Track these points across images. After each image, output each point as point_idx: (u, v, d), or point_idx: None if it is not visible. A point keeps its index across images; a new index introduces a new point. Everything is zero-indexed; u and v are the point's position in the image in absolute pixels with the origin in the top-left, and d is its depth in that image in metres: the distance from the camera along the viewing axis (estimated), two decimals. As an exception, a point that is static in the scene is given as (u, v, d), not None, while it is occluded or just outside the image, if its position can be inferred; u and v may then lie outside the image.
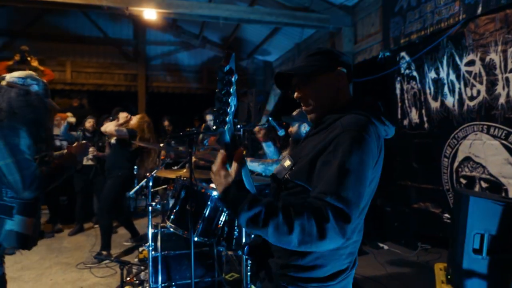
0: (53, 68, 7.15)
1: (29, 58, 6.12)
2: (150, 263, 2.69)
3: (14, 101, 1.83)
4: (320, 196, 0.94)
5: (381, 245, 4.41)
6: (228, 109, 0.97)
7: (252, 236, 1.23)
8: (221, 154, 1.05)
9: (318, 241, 0.91)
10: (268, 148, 2.82)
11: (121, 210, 4.39)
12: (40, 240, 4.61)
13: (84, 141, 2.18)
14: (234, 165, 1.03)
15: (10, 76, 1.93)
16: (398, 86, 4.43)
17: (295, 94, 1.23)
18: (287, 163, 1.18)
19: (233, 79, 0.96)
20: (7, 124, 1.78)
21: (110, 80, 8.23)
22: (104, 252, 4.01)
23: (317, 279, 1.10)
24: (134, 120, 4.08)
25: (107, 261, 3.84)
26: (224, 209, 2.33)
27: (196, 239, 2.38)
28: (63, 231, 4.88)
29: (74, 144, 2.13)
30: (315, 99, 1.19)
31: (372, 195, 1.15)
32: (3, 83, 1.91)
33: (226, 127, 0.98)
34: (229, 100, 0.97)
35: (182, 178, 2.60)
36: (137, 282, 3.17)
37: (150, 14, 4.50)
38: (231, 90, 0.96)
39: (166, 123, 6.15)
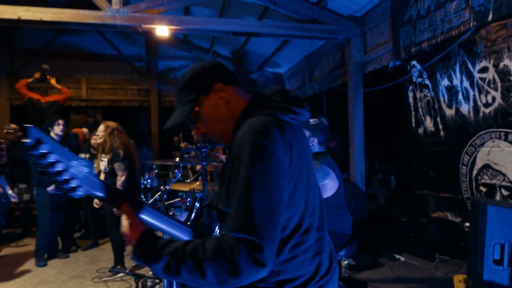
0: (69, 86, 7.37)
1: (48, 77, 6.33)
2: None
3: None
4: (227, 233, 0.89)
5: (397, 256, 4.32)
6: (68, 175, 0.91)
7: None
8: (124, 210, 1.00)
9: (234, 278, 0.85)
10: None
11: None
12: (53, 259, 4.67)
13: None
14: (131, 219, 0.98)
15: None
16: (410, 94, 4.41)
17: (198, 133, 1.17)
18: (216, 188, 1.14)
19: (45, 149, 0.87)
20: None
21: (123, 96, 8.43)
22: (118, 266, 4.04)
23: None
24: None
25: (122, 274, 3.86)
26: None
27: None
28: (77, 251, 4.91)
29: None
30: (214, 129, 1.11)
31: (311, 187, 1.07)
32: None
33: (82, 191, 0.93)
34: (60, 168, 0.89)
35: (195, 191, 2.62)
36: (152, 295, 3.18)
37: (163, 31, 4.61)
38: (53, 160, 0.88)
39: (176, 138, 6.15)
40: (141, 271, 3.97)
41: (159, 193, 3.09)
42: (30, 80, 6.28)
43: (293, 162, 0.99)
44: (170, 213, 2.91)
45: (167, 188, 2.93)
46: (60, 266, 4.33)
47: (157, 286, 3.26)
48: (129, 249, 4.79)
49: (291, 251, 1.03)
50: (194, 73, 1.10)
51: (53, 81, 6.41)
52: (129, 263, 4.24)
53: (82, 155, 4.81)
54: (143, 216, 1.02)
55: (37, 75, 6.26)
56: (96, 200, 3.99)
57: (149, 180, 4.46)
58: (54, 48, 7.92)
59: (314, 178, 1.11)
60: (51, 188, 4.39)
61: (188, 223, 2.52)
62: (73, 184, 0.91)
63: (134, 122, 9.90)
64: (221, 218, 1.10)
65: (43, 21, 4.19)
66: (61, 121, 4.42)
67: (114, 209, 4.02)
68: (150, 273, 3.65)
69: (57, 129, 4.37)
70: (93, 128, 5.93)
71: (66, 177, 0.90)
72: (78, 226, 5.63)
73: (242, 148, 0.93)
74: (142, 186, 3.73)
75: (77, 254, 4.79)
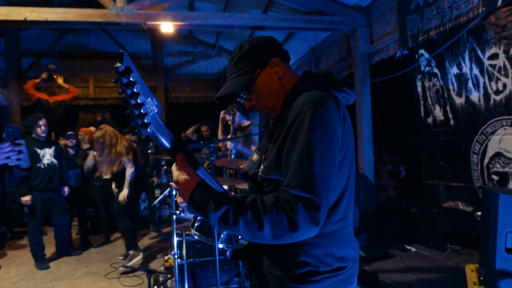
0: (76, 85, 7.43)
1: (55, 76, 6.38)
2: (176, 271, 2.73)
3: None
4: (287, 190, 0.93)
5: (408, 247, 4.30)
6: (143, 110, 0.91)
7: (239, 239, 1.19)
8: (177, 159, 1.00)
9: (292, 234, 0.90)
10: None
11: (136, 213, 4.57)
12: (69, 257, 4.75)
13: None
14: (185, 169, 1.00)
15: None
16: (419, 84, 4.35)
17: (248, 105, 1.19)
18: (255, 157, 1.15)
19: (132, 78, 0.89)
20: None
21: (130, 93, 8.46)
22: (131, 252, 4.10)
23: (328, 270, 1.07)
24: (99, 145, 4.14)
25: (137, 264, 3.96)
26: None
27: (221, 246, 2.40)
28: (90, 248, 4.99)
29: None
30: (266, 102, 1.15)
31: (352, 168, 1.11)
32: None
33: (149, 129, 0.92)
34: (139, 100, 0.89)
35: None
36: (164, 290, 3.22)
37: (167, 27, 4.61)
38: (135, 89, 0.89)
39: (183, 135, 6.08)
40: (152, 267, 4.03)
41: (168, 189, 3.11)
42: (37, 80, 6.33)
43: (344, 136, 1.04)
44: (180, 209, 2.93)
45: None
46: (73, 263, 4.41)
47: (169, 281, 3.30)
48: (140, 244, 4.87)
49: (334, 224, 1.07)
50: (253, 46, 1.13)
51: (60, 81, 6.46)
52: (141, 260, 4.30)
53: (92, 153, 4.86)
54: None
55: (43, 75, 6.32)
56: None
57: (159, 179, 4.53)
58: (60, 48, 7.98)
59: (353, 158, 1.14)
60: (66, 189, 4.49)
61: (198, 218, 2.54)
62: (146, 120, 0.91)
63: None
64: (258, 187, 1.13)
65: (48, 21, 4.22)
66: (42, 122, 4.20)
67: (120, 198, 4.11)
68: (162, 268, 3.71)
69: (39, 131, 4.19)
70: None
71: (142, 111, 0.91)
72: (90, 224, 5.72)
73: (303, 116, 0.98)
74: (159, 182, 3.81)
75: (90, 251, 4.87)
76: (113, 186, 4.41)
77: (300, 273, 1.06)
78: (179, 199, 1.04)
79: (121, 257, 4.36)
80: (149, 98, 0.93)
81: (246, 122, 4.39)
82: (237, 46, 1.16)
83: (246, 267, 1.27)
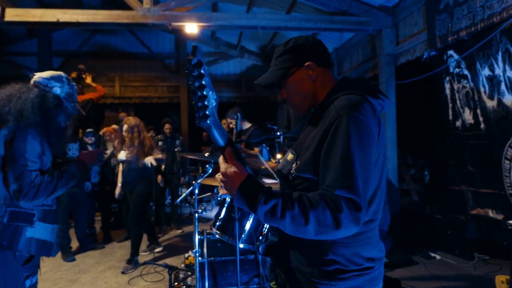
0: (103, 84, 7.65)
1: (84, 76, 6.58)
2: (197, 269, 2.75)
3: (29, 103, 1.73)
4: (331, 190, 0.97)
5: (432, 254, 4.16)
6: (206, 102, 0.96)
7: (270, 236, 1.24)
8: (227, 153, 1.05)
9: (334, 231, 0.94)
10: None
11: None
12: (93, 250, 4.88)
13: (97, 149, 2.11)
14: (234, 162, 1.04)
15: (38, 76, 1.87)
16: (447, 86, 4.21)
17: (280, 97, 1.27)
18: (290, 156, 1.19)
19: (202, 71, 0.95)
20: (14, 127, 1.69)
21: (154, 93, 8.65)
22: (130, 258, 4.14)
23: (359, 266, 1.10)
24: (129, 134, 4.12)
25: (146, 265, 4.02)
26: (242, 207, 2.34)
27: (241, 245, 2.41)
28: (112, 242, 5.12)
29: (86, 152, 2.08)
30: (293, 97, 1.22)
31: (384, 172, 1.14)
32: (31, 82, 1.85)
33: (208, 121, 0.97)
34: (204, 92, 0.95)
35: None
36: (184, 287, 3.26)
37: (192, 28, 4.68)
38: (203, 82, 0.95)
39: (205, 134, 6.14)
40: (173, 264, 4.09)
41: (191, 187, 3.14)
42: (68, 79, 6.54)
43: (379, 139, 1.08)
44: (202, 208, 2.96)
45: (198, 182, 2.97)
46: (98, 257, 4.54)
47: (189, 278, 3.34)
48: (163, 240, 4.94)
49: (363, 226, 1.07)
50: (296, 45, 1.20)
51: (89, 80, 6.65)
52: (163, 255, 4.37)
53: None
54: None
55: (73, 75, 6.52)
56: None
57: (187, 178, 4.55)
58: (88, 48, 8.25)
59: (384, 162, 1.17)
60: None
61: (220, 217, 2.55)
62: (207, 112, 0.97)
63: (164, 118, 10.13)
64: (290, 185, 1.17)
65: (80, 22, 4.37)
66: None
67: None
68: (182, 265, 3.75)
69: None
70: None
71: (205, 103, 0.96)
72: (113, 219, 5.86)
73: (341, 119, 1.02)
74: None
75: (113, 245, 5.00)
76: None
77: (328, 270, 1.09)
78: (222, 191, 1.11)
79: (145, 252, 4.43)
80: (211, 92, 0.99)
81: (248, 125, 4.60)
82: (285, 41, 1.23)
83: (273, 263, 1.31)
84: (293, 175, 1.13)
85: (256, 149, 4.16)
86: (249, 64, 8.80)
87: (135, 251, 4.12)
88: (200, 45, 8.47)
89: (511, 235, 3.25)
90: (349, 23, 4.80)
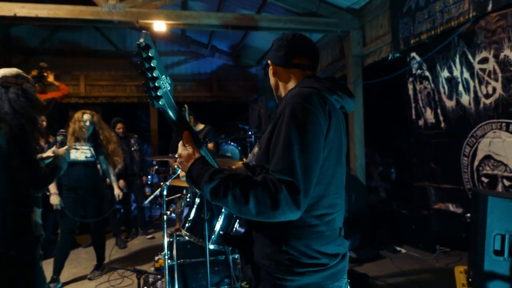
0: (67, 83, 7.32)
1: (45, 74, 6.26)
2: (167, 272, 2.70)
3: (16, 103, 1.85)
4: (271, 173, 1.02)
5: (398, 248, 4.33)
6: (157, 83, 1.03)
7: (237, 227, 1.32)
8: (184, 136, 1.14)
9: (273, 211, 0.98)
10: None
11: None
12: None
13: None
14: (191, 145, 1.13)
15: (1, 75, 1.89)
16: (410, 86, 4.39)
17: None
18: (255, 150, 1.27)
19: (150, 53, 1.01)
20: (17, 125, 1.81)
21: (122, 92, 8.38)
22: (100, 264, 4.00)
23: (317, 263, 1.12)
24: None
25: (117, 270, 3.88)
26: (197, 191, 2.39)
27: (211, 246, 2.39)
28: (78, 248, 4.92)
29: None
30: (272, 85, 1.36)
31: (339, 167, 1.17)
32: None
33: (161, 102, 1.05)
34: (154, 74, 1.01)
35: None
36: (154, 291, 3.18)
37: (160, 26, 4.58)
38: (152, 64, 1.01)
39: (119, 125, 5.56)
40: (142, 267, 3.99)
41: (159, 189, 3.08)
42: (28, 77, 6.21)
43: (329, 133, 1.11)
44: (171, 209, 2.91)
45: (167, 184, 2.92)
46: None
47: (159, 282, 3.27)
48: (132, 245, 4.81)
49: (315, 219, 1.13)
50: (276, 46, 1.32)
51: (51, 78, 6.34)
52: (130, 259, 4.25)
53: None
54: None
55: (34, 73, 6.20)
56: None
57: (149, 177, 4.43)
58: (51, 45, 7.87)
59: (344, 162, 1.22)
60: None
61: (189, 218, 2.52)
62: (159, 93, 1.04)
63: (133, 119, 9.89)
64: (253, 174, 1.21)
65: (39, 17, 4.16)
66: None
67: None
68: (152, 269, 3.67)
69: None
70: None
71: (156, 84, 1.03)
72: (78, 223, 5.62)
73: (287, 107, 1.08)
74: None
75: (79, 250, 4.80)
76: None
77: (282, 262, 1.11)
78: (181, 173, 1.16)
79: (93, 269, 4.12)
80: (164, 76, 1.05)
81: (201, 125, 4.95)
82: (282, 35, 1.33)
83: (241, 258, 1.33)
84: (254, 165, 1.19)
85: (210, 145, 4.52)
86: (219, 63, 8.75)
87: (102, 257, 3.98)
88: (171, 43, 8.34)
89: (469, 227, 3.45)
90: (318, 24, 4.89)
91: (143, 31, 1.03)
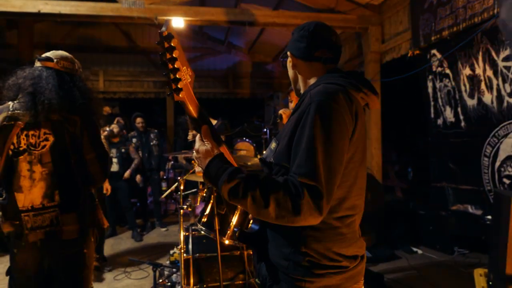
0: (86, 78, 7.48)
1: None
2: (182, 266, 2.74)
3: (85, 91, 1.80)
4: (294, 176, 0.97)
5: (414, 249, 4.26)
6: (178, 75, 0.96)
7: (251, 224, 1.26)
8: (203, 131, 1.07)
9: (294, 216, 0.94)
10: None
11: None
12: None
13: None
14: (209, 140, 1.07)
15: (60, 57, 1.85)
16: (430, 84, 4.29)
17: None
18: (273, 145, 1.19)
19: (173, 43, 0.94)
20: (88, 117, 1.77)
21: (140, 88, 8.52)
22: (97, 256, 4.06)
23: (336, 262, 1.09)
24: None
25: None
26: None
27: (227, 242, 2.41)
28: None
29: None
30: (291, 81, 1.30)
31: (362, 168, 1.13)
32: (38, 64, 1.80)
33: (181, 94, 0.97)
34: (175, 65, 0.95)
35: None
36: (169, 284, 3.24)
37: (178, 23, 4.61)
38: (173, 54, 0.94)
39: (138, 119, 5.55)
40: (158, 261, 4.06)
41: (176, 184, 3.12)
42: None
43: (354, 133, 1.06)
44: (187, 203, 2.94)
45: (184, 178, 2.95)
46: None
47: (174, 275, 3.32)
48: (148, 238, 4.89)
49: (337, 220, 1.08)
50: (297, 37, 1.23)
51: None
52: (147, 253, 4.33)
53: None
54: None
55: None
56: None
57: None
58: (72, 41, 8.05)
59: (366, 163, 1.17)
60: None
61: (205, 213, 2.54)
62: (179, 85, 0.96)
63: (150, 114, 10.01)
64: (270, 172, 1.16)
65: (62, 14, 4.25)
66: None
67: None
68: (167, 262, 3.73)
69: None
70: (110, 119, 5.95)
71: (177, 76, 0.96)
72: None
73: (312, 105, 1.02)
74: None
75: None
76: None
77: (301, 263, 1.07)
78: (197, 168, 1.11)
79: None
80: (185, 67, 0.98)
81: (213, 122, 4.77)
82: (300, 26, 1.25)
83: (254, 256, 1.31)
84: (272, 162, 1.14)
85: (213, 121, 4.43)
86: (236, 60, 8.76)
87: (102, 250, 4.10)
88: (187, 39, 8.39)
89: (489, 229, 3.36)
90: (336, 20, 4.82)
91: (166, 19, 0.99)
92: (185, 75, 0.98)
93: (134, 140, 5.37)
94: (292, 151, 1.03)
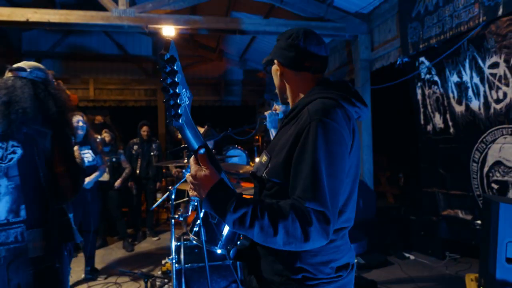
0: (76, 86, 7.44)
1: (54, 81, 6.32)
2: (174, 276, 2.70)
3: (58, 99, 1.73)
4: (301, 202, 0.94)
5: (406, 255, 4.28)
6: (179, 100, 0.91)
7: (242, 240, 1.23)
8: (199, 155, 1.01)
9: (302, 243, 0.93)
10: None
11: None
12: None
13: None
14: (206, 165, 1.00)
15: (33, 67, 1.77)
16: (419, 91, 4.36)
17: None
18: (264, 158, 1.16)
19: (175, 67, 0.90)
20: (60, 128, 1.70)
21: (130, 96, 8.47)
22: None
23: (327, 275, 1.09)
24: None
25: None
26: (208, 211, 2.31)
27: (219, 251, 2.38)
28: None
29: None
30: (276, 85, 1.27)
31: (356, 181, 1.12)
32: (10, 75, 1.69)
33: (181, 120, 0.92)
34: (177, 90, 0.90)
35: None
36: (161, 295, 3.19)
37: (169, 31, 4.62)
38: (175, 79, 0.90)
39: (144, 128, 5.51)
40: (150, 271, 4.00)
41: (167, 192, 3.09)
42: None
43: (352, 150, 1.06)
44: (178, 213, 2.91)
45: (175, 187, 2.93)
46: (71, 265, 4.36)
47: (166, 286, 3.27)
48: (139, 248, 4.82)
49: (333, 234, 1.07)
50: (284, 45, 1.20)
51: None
52: (139, 263, 4.27)
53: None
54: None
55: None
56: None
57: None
58: (61, 49, 7.99)
59: (359, 176, 1.16)
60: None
61: (197, 222, 2.52)
62: (179, 111, 0.92)
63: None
64: (262, 187, 1.14)
65: (51, 22, 4.22)
66: None
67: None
68: (159, 273, 3.68)
69: None
70: (99, 128, 5.88)
71: (178, 101, 0.91)
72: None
73: (312, 124, 0.99)
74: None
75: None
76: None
77: (295, 278, 1.07)
78: (192, 193, 1.04)
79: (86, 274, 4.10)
80: (184, 89, 0.94)
81: (201, 130, 4.84)
82: (284, 33, 1.23)
83: (246, 269, 1.28)
84: (265, 178, 1.11)
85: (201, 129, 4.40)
86: (227, 67, 8.79)
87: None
88: (178, 48, 8.39)
89: (479, 234, 3.39)
90: (326, 28, 4.88)
91: (166, 39, 0.92)
92: (184, 98, 0.94)
93: (135, 147, 5.31)
94: (292, 170, 1.01)
